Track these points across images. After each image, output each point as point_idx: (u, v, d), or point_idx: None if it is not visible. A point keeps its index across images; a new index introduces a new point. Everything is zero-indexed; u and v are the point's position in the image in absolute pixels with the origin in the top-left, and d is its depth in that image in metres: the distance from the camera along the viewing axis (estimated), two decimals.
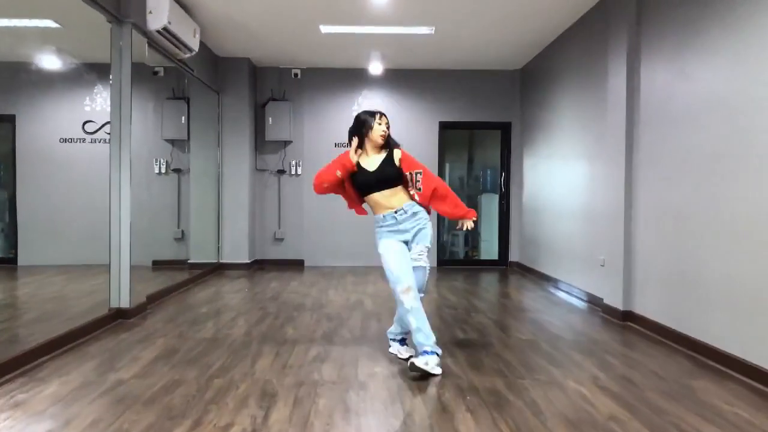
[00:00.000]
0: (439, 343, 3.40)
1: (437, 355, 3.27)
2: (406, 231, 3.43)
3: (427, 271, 3.49)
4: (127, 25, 4.63)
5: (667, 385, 3.10)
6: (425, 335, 3.26)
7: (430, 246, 3.50)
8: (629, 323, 4.59)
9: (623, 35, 4.69)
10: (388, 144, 3.55)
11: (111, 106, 4.66)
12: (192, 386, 3.00)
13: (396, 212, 3.40)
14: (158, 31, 4.99)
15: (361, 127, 3.48)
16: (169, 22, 5.00)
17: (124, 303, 4.61)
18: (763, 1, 3.19)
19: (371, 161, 3.49)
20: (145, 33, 4.92)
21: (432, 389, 3.02)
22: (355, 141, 3.47)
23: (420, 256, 3.44)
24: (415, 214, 3.43)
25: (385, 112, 3.59)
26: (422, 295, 3.42)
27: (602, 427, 2.54)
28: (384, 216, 3.44)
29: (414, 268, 3.37)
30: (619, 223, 4.73)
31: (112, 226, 4.65)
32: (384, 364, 3.46)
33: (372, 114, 3.50)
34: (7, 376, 3.12)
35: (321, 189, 3.50)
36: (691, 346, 3.75)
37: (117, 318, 4.53)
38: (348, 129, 3.58)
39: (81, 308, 4.98)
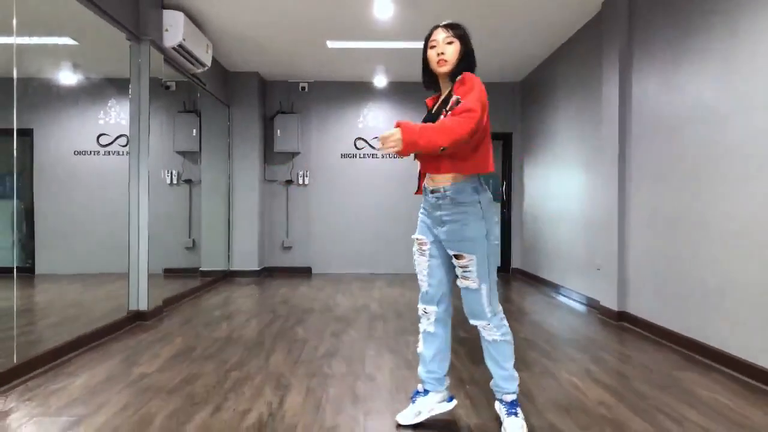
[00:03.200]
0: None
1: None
2: (437, 223, 2.39)
3: (479, 292, 2.36)
4: (145, 43, 4.91)
5: (655, 377, 3.31)
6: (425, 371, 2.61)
7: (472, 254, 2.31)
8: (624, 323, 4.80)
9: (615, 47, 4.94)
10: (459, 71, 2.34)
11: (130, 120, 4.94)
12: (211, 378, 3.23)
13: (433, 192, 2.34)
14: (174, 48, 5.28)
15: (424, 55, 2.44)
16: (184, 39, 5.29)
17: (143, 306, 4.85)
18: (749, 9, 3.44)
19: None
20: (161, 49, 5.20)
21: None
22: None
23: (461, 270, 2.37)
24: (458, 204, 2.29)
25: (450, 22, 2.39)
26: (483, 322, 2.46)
27: (591, 411, 2.75)
28: (425, 189, 2.40)
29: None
30: (613, 229, 4.95)
31: (131, 234, 4.90)
32: (389, 358, 3.67)
33: (430, 33, 2.42)
34: (38, 370, 3.36)
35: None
36: (681, 342, 3.96)
37: (135, 320, 4.77)
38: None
39: (100, 312, 5.20)
